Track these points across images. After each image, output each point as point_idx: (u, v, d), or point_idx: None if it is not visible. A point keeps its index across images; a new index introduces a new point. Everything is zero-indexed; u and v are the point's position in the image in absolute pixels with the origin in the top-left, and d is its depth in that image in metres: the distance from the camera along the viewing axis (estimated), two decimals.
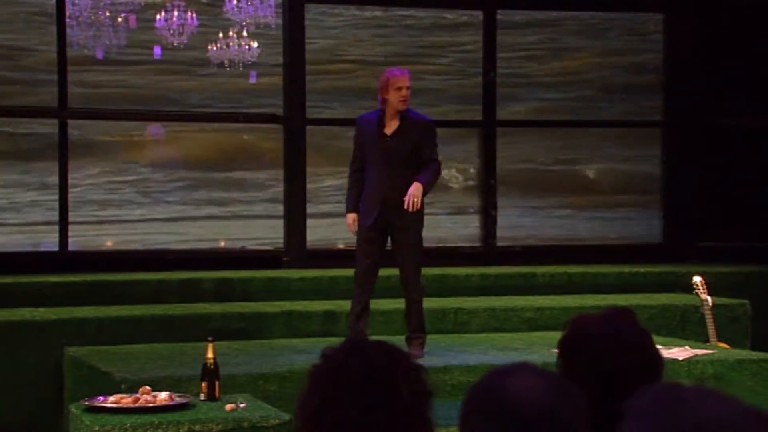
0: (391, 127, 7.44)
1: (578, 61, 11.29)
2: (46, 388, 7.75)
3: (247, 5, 10.34)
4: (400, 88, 7.33)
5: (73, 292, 8.80)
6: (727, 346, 8.26)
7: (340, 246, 10.44)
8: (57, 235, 9.83)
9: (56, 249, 9.85)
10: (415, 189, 7.26)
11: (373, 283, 7.56)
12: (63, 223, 9.83)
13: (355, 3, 10.72)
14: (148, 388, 5.65)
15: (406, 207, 7.23)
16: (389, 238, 7.51)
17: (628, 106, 11.31)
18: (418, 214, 7.39)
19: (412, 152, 7.36)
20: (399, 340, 7.94)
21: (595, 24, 11.29)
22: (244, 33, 10.28)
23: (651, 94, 11.33)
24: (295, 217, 10.36)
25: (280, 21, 10.33)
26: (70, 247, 9.88)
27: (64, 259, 9.74)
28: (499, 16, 10.90)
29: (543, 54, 11.16)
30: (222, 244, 10.44)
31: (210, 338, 5.84)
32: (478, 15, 10.89)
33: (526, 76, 11.07)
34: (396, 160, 7.35)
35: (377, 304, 8.04)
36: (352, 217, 7.53)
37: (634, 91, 11.30)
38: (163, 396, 5.57)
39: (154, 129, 10.41)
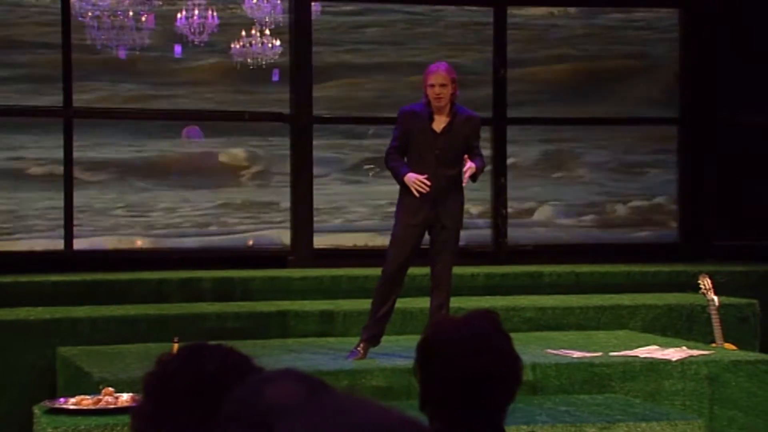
0: (440, 123, 7.07)
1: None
2: (41, 389, 7.70)
3: (266, 3, 10.34)
4: (432, 85, 6.98)
5: (73, 292, 8.79)
6: (734, 347, 8.06)
7: (348, 245, 10.39)
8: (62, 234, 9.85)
9: (61, 248, 9.86)
10: (471, 167, 6.93)
11: (403, 283, 7.28)
12: (67, 223, 9.83)
13: (363, 1, 10.65)
14: (110, 389, 5.60)
15: (466, 179, 6.92)
16: (427, 237, 7.20)
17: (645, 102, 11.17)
18: (461, 213, 7.19)
19: (462, 150, 7.05)
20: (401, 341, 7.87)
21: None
22: (267, 31, 10.26)
23: (667, 91, 11.17)
24: (301, 216, 10.29)
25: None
26: (75, 247, 9.88)
27: (68, 259, 9.73)
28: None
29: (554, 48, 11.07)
30: (250, 243, 10.39)
31: (176, 339, 5.75)
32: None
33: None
34: (446, 158, 7.03)
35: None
36: (413, 175, 7.00)
37: (650, 88, 11.14)
38: (125, 397, 5.52)
39: (191, 131, 10.39)
